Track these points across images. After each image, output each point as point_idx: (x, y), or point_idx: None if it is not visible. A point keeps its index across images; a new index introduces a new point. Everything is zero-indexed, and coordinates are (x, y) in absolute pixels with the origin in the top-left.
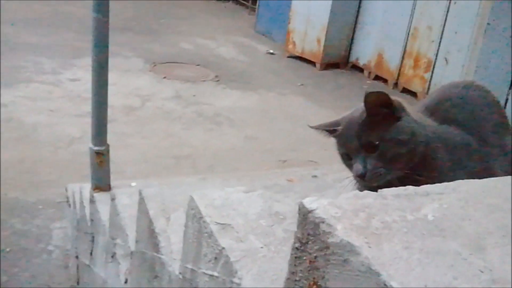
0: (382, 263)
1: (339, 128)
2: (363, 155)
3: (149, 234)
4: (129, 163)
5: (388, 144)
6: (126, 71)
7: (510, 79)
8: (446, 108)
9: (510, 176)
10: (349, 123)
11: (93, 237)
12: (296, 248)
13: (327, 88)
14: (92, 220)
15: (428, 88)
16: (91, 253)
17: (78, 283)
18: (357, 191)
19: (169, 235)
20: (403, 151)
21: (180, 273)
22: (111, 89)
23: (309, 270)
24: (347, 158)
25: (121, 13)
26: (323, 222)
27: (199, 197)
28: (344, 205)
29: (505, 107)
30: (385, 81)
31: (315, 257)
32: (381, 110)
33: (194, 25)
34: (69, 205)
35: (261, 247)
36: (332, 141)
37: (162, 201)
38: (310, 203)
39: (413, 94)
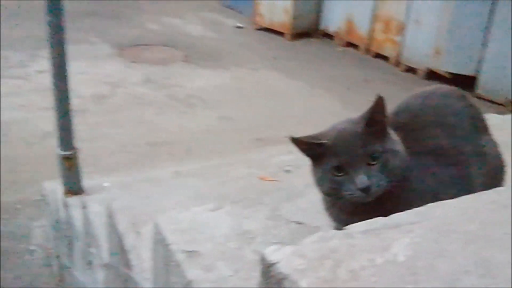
0: None
1: (326, 141)
2: (365, 167)
3: (120, 250)
4: (103, 154)
5: (389, 154)
6: (93, 58)
7: (482, 38)
8: (408, 117)
9: (484, 192)
10: (342, 134)
11: (70, 240)
12: None
13: (299, 59)
14: (67, 223)
15: (401, 51)
16: (70, 256)
17: (62, 282)
18: (323, 233)
19: (140, 251)
20: (398, 163)
21: None
22: (79, 78)
23: None
24: (338, 173)
25: None
26: (286, 279)
27: (164, 221)
28: (309, 252)
29: (478, 67)
30: (356, 47)
31: None
32: (380, 117)
33: (158, 3)
34: (47, 204)
35: (230, 275)
36: (309, 117)
37: (132, 214)
38: (271, 254)
39: (386, 58)
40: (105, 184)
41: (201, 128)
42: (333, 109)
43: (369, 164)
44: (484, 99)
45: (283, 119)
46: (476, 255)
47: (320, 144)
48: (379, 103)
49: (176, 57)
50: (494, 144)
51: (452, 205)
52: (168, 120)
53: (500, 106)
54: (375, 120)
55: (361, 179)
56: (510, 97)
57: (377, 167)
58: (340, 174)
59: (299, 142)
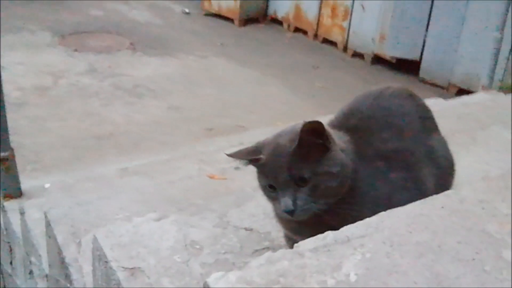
0: None
1: (262, 156)
2: (292, 189)
3: (60, 263)
4: (46, 149)
5: (320, 178)
6: (33, 47)
7: (426, 23)
8: (357, 120)
9: (434, 197)
10: (275, 152)
11: (10, 247)
12: None
13: (248, 46)
14: (6, 229)
15: (348, 37)
16: (11, 263)
17: None
18: (270, 254)
19: (81, 264)
20: (334, 185)
21: None
22: (18, 69)
23: None
24: (271, 190)
25: None
26: None
27: (104, 235)
28: (256, 278)
29: (422, 50)
30: (305, 32)
31: None
32: (314, 141)
33: None
34: None
35: None
36: (259, 105)
37: (72, 223)
38: (215, 282)
39: (333, 44)
40: (46, 186)
41: (149, 119)
42: (283, 97)
43: (298, 186)
44: (427, 83)
45: (233, 108)
46: (429, 269)
47: (256, 159)
48: (316, 127)
49: (122, 44)
50: (443, 144)
51: (402, 213)
52: (115, 112)
53: (443, 90)
54: (307, 143)
55: (286, 202)
56: (451, 80)
57: (306, 190)
58: (272, 192)
59: (236, 157)
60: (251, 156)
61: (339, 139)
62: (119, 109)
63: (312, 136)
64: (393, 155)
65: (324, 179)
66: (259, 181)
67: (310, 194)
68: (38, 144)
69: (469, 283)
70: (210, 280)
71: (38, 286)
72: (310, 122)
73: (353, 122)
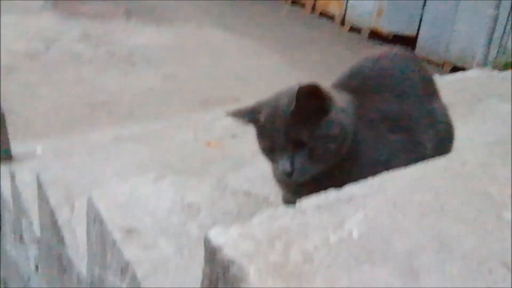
0: None
1: (261, 117)
2: (290, 152)
3: (52, 225)
4: (38, 116)
5: (319, 141)
6: (25, 11)
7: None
8: (359, 81)
9: (437, 160)
10: (273, 114)
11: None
12: (206, 286)
13: (245, 17)
14: None
15: (345, 11)
16: (0, 228)
17: None
18: (272, 211)
19: (75, 227)
20: (332, 147)
21: (88, 274)
22: (10, 34)
23: None
24: (270, 151)
25: None
26: (233, 264)
27: (99, 195)
28: (258, 233)
29: (419, 27)
30: (302, 5)
31: None
32: (312, 103)
33: None
34: None
35: (174, 253)
36: (255, 77)
37: (64, 186)
38: (216, 237)
39: (331, 18)
40: (38, 150)
41: (143, 88)
42: (279, 69)
43: (296, 149)
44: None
45: (228, 79)
46: (431, 229)
47: (256, 120)
48: (313, 90)
49: (117, 11)
50: (444, 108)
51: (405, 175)
52: (108, 80)
53: (438, 67)
54: (305, 106)
55: (283, 164)
56: (446, 57)
57: (304, 153)
58: (270, 154)
59: (235, 116)
60: (250, 116)
61: (341, 99)
62: (113, 77)
63: (309, 99)
64: (394, 117)
65: (323, 141)
66: (258, 143)
67: (308, 157)
68: (30, 111)
69: (471, 243)
70: (211, 234)
71: (29, 251)
72: (305, 85)
73: (355, 83)
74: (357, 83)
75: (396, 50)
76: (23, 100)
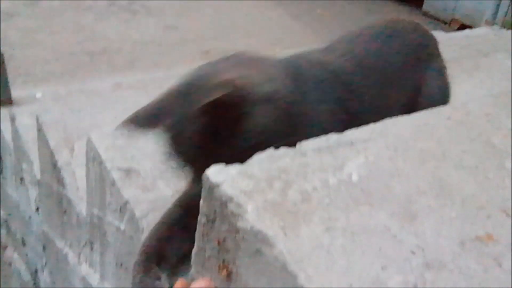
0: (300, 259)
1: (166, 128)
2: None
3: (52, 167)
4: (38, 62)
5: (242, 153)
6: None
7: None
8: (350, 46)
9: (442, 107)
10: (180, 127)
11: (0, 155)
12: (203, 224)
13: None
14: None
15: None
16: (1, 171)
17: None
18: (272, 151)
19: (74, 169)
20: (262, 148)
21: (87, 215)
22: None
23: (218, 251)
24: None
25: None
26: (231, 201)
27: (98, 136)
28: (257, 172)
29: None
30: None
31: (224, 238)
32: (223, 117)
33: None
34: None
35: (172, 195)
36: (257, 29)
37: (64, 129)
38: (215, 175)
39: None
40: (37, 95)
41: (144, 37)
42: (283, 22)
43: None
44: (430, 17)
45: (230, 30)
46: (432, 174)
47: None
48: (214, 107)
49: None
50: (439, 79)
51: (408, 121)
52: (109, 28)
53: (445, 24)
54: (213, 125)
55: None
56: (454, 15)
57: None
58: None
59: (131, 125)
60: (151, 123)
61: (280, 77)
62: (114, 26)
63: (219, 113)
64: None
65: (248, 152)
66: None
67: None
68: (29, 57)
69: (471, 189)
70: (210, 172)
71: (29, 192)
72: (208, 102)
73: (343, 47)
74: (346, 48)
75: (401, 19)
76: (23, 46)
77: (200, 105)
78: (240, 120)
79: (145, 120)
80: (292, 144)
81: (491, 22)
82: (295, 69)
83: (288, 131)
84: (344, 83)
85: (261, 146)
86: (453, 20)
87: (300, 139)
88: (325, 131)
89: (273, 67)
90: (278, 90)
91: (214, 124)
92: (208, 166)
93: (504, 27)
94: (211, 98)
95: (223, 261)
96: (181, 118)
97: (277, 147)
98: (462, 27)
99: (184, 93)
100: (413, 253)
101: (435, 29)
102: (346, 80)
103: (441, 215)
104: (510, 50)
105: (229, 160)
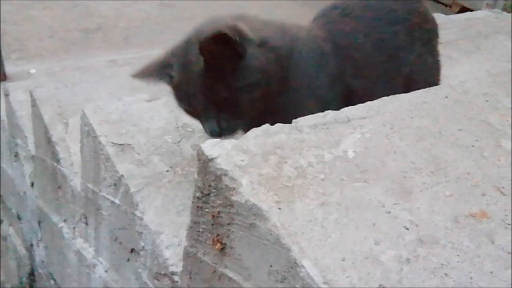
0: (293, 233)
1: (173, 73)
2: (213, 112)
3: (47, 142)
4: (32, 38)
5: (240, 93)
6: None
7: None
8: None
9: (438, 86)
10: (185, 71)
11: None
12: (198, 197)
13: None
14: None
15: None
16: None
17: None
18: (268, 126)
19: (68, 144)
20: (258, 94)
21: (82, 190)
22: None
23: (212, 225)
24: (192, 114)
25: None
26: (225, 175)
27: (92, 111)
28: (252, 147)
29: None
30: None
31: (219, 212)
32: (220, 53)
33: None
34: None
35: (167, 171)
36: (255, 9)
37: (58, 104)
38: (210, 149)
39: None
40: (31, 71)
41: (140, 14)
42: (281, 3)
43: (218, 108)
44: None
45: (228, 9)
46: (427, 152)
47: (168, 77)
48: (219, 40)
49: None
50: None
51: (405, 100)
52: (104, 4)
53: (446, 7)
54: (214, 58)
55: (209, 126)
56: None
57: (227, 109)
58: (193, 116)
59: (143, 76)
60: (160, 73)
61: (274, 31)
62: (109, 2)
63: (216, 49)
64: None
65: (246, 92)
66: (177, 104)
67: (234, 113)
68: (23, 33)
69: (466, 167)
70: (205, 146)
71: (24, 168)
72: (207, 39)
73: (336, 15)
74: (338, 16)
75: None
76: (16, 22)
77: (202, 42)
78: (236, 59)
79: (154, 71)
80: (285, 87)
81: (492, 5)
82: (291, 29)
83: (280, 75)
84: (336, 46)
85: (256, 87)
86: (454, 3)
87: (291, 84)
88: (312, 80)
89: (272, 24)
90: (273, 38)
91: (213, 63)
92: (210, 110)
93: (506, 10)
94: (212, 34)
95: (217, 235)
96: (186, 61)
97: (270, 90)
98: (463, 10)
99: (188, 42)
100: (406, 228)
101: (436, 11)
102: (338, 43)
103: (436, 192)
104: (510, 32)
105: (228, 102)
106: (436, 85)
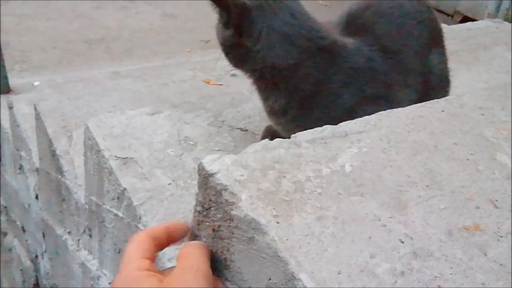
0: (291, 247)
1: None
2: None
3: (51, 155)
4: (35, 50)
5: (256, 53)
6: None
7: None
8: (364, 18)
9: (435, 100)
10: (221, 34)
11: None
12: (198, 211)
13: None
14: None
15: None
16: (0, 159)
17: None
18: (267, 141)
19: (73, 156)
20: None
21: (85, 203)
22: None
23: (213, 238)
24: None
25: None
26: (225, 190)
27: (95, 125)
28: (251, 162)
29: None
30: None
31: (219, 226)
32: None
33: None
34: None
35: (169, 184)
36: None
37: (62, 117)
38: (210, 164)
39: None
40: (35, 83)
41: (142, 25)
42: None
43: None
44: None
45: None
46: (423, 165)
47: None
48: None
49: None
50: (442, 62)
51: (402, 113)
52: (106, 15)
53: (447, 16)
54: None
55: None
56: (457, 7)
57: None
58: None
59: None
60: None
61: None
62: (111, 13)
63: (236, 16)
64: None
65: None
66: None
67: None
68: (25, 44)
69: (461, 180)
70: (205, 162)
71: (28, 180)
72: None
73: (356, 17)
74: (359, 21)
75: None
76: (19, 33)
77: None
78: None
79: None
80: None
81: (494, 15)
82: None
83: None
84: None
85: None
86: (455, 13)
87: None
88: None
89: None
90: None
91: (235, 23)
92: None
93: (508, 19)
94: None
95: (219, 248)
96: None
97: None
98: (465, 19)
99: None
100: (401, 241)
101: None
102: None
103: (431, 205)
104: (510, 43)
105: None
106: (447, 91)
